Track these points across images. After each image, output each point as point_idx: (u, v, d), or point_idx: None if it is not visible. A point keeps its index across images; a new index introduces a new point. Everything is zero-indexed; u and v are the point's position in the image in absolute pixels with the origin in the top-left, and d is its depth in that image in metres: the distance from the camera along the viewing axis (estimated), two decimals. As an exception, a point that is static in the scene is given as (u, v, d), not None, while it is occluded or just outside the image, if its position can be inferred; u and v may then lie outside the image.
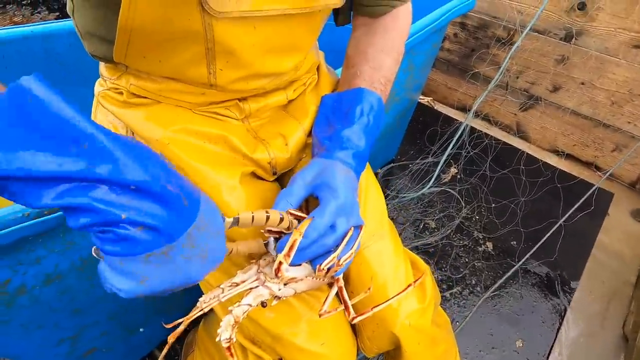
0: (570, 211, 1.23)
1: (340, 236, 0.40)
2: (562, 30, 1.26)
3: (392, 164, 1.44)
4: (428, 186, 1.30)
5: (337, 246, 0.41)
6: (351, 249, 0.41)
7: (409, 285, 0.48)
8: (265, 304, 0.39)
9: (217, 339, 0.36)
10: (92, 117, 0.52)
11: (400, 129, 1.34)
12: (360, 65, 0.52)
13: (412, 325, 0.52)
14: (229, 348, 0.36)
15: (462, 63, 1.58)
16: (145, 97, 0.46)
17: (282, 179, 0.57)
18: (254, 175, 0.51)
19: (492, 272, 1.12)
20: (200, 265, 0.30)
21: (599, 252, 1.18)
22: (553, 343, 0.97)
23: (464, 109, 1.70)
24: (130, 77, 0.45)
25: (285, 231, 0.41)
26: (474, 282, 1.09)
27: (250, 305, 0.38)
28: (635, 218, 1.29)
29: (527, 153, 1.48)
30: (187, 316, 0.39)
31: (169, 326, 0.39)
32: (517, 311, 1.03)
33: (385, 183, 1.37)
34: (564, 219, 1.22)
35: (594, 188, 1.27)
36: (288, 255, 0.37)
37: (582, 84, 1.30)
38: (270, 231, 0.41)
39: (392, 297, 0.47)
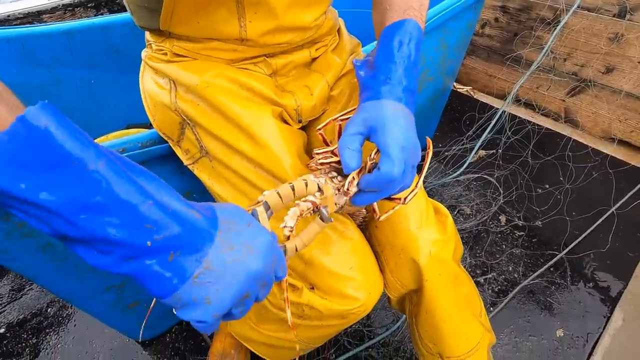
0: (625, 198, 1.13)
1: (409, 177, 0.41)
2: (614, 5, 1.18)
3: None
4: (460, 171, 1.26)
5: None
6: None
7: (416, 185, 0.51)
8: (323, 218, 0.40)
9: (282, 225, 0.39)
10: (140, 81, 0.58)
11: (435, 114, 1.31)
12: None
13: (433, 254, 0.53)
14: (288, 237, 0.39)
15: (504, 49, 1.52)
16: (186, 56, 0.51)
17: (306, 128, 0.60)
18: (282, 119, 0.54)
19: (532, 260, 1.06)
20: (253, 257, 0.30)
21: (657, 245, 1.08)
22: (600, 335, 0.90)
23: (505, 97, 1.63)
24: (173, 40, 0.51)
25: (316, 198, 0.41)
26: (510, 269, 1.04)
27: (313, 203, 0.41)
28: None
29: (575, 139, 1.38)
30: None
31: None
32: (558, 300, 0.97)
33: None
34: (616, 207, 1.13)
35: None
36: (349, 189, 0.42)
37: None
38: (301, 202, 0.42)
39: (407, 196, 0.50)
